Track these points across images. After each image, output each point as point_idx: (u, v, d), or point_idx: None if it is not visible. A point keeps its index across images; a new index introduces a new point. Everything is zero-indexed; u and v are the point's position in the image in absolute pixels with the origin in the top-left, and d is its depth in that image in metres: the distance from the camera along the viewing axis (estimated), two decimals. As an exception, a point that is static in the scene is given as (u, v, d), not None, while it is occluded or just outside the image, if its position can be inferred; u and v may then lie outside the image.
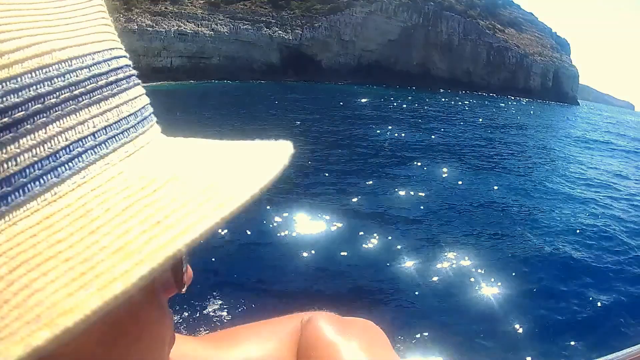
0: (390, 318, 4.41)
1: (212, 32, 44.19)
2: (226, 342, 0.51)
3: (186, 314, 4.11)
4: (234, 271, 5.13)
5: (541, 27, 77.54)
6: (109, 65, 0.28)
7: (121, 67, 0.30)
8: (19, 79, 0.23)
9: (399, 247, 6.09)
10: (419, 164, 11.20)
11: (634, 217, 9.11)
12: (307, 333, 0.50)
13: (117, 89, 0.29)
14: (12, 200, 0.23)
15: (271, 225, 6.31)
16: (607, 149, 19.40)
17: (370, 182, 9.11)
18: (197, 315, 4.11)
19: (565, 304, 5.18)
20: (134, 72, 0.31)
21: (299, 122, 16.22)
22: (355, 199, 7.92)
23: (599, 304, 5.25)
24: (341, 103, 25.28)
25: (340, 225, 6.55)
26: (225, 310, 4.25)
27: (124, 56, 0.31)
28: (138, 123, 0.30)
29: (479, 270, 5.59)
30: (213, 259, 5.08)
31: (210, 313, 4.20)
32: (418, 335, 4.17)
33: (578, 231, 7.70)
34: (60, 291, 0.20)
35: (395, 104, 28.55)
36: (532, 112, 38.87)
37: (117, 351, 0.27)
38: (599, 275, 6.06)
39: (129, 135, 0.29)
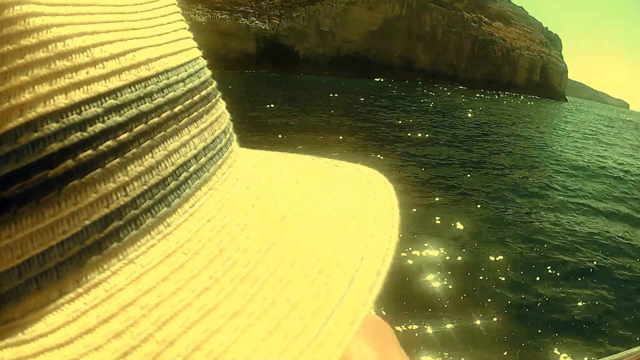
0: (397, 312, 4.23)
1: (189, 22, 42.82)
2: None
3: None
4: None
5: (531, 21, 76.30)
6: (199, 78, 0.26)
7: (208, 79, 0.27)
8: (119, 94, 0.20)
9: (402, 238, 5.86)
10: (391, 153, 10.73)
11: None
12: None
13: (208, 105, 0.26)
14: (125, 236, 0.20)
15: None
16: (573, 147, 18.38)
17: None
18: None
19: (541, 305, 4.89)
20: (214, 82, 0.28)
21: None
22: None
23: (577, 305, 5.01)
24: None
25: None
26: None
27: (206, 64, 0.28)
28: (228, 141, 0.28)
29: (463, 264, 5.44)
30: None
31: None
32: (423, 330, 4.04)
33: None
34: (256, 356, 0.17)
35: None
36: (503, 107, 37.72)
37: None
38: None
39: (222, 155, 0.26)
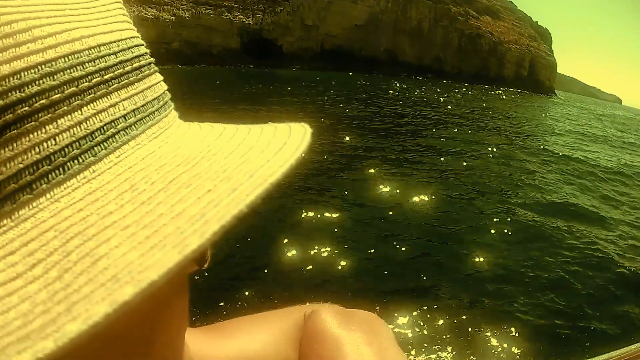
0: (394, 310, 4.20)
1: (173, 17, 42.53)
2: (226, 334, 0.50)
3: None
4: (233, 260, 4.69)
5: (520, 15, 76.08)
6: (132, 53, 0.30)
7: (142, 55, 0.32)
8: (53, 63, 0.24)
9: (402, 241, 5.75)
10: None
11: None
12: (310, 325, 0.49)
13: (141, 75, 0.30)
14: (53, 179, 0.24)
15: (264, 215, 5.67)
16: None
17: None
18: (195, 306, 3.65)
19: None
20: (152, 59, 0.33)
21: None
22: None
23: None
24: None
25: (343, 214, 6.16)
26: (225, 300, 3.96)
27: (143, 45, 0.33)
28: (161, 107, 0.32)
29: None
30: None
31: (209, 304, 3.86)
32: (420, 328, 3.98)
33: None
34: (130, 254, 0.21)
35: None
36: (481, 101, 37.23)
37: (155, 326, 0.28)
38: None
39: (154, 118, 0.30)
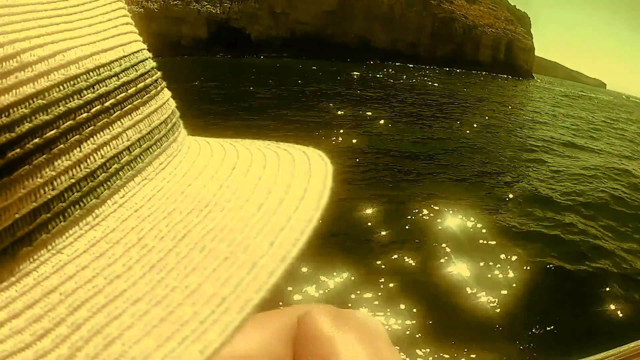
0: (390, 310, 3.98)
1: (141, 10, 41.75)
2: None
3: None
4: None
5: (496, -1, 75.74)
6: (136, 71, 0.26)
7: (148, 71, 0.28)
8: (46, 94, 0.21)
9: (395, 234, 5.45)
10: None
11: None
12: (304, 326, 0.49)
13: (146, 96, 0.27)
14: (53, 227, 0.21)
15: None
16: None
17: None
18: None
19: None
20: (160, 73, 0.29)
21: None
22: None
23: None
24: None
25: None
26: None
27: (150, 57, 0.29)
28: (169, 131, 0.28)
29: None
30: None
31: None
32: (414, 330, 3.81)
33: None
34: (145, 341, 0.18)
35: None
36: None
37: None
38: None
39: (161, 145, 0.27)
